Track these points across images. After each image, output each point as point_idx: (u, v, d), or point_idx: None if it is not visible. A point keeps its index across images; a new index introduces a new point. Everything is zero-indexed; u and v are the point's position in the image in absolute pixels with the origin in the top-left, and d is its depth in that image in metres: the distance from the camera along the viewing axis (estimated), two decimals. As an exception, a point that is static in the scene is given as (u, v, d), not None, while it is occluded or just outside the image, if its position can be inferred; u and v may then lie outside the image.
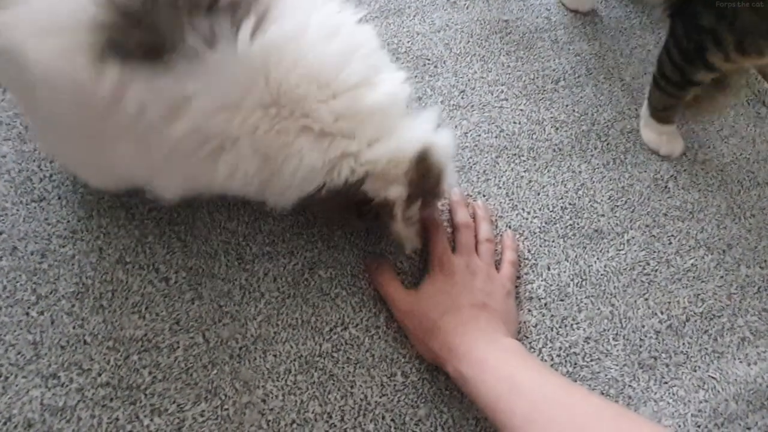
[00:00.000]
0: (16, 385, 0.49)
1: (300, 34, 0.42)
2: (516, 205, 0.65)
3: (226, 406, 0.50)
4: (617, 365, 0.57)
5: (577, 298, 0.60)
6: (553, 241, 0.63)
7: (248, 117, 0.41)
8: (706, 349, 0.59)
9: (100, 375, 0.50)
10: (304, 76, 0.42)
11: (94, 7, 0.37)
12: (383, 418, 0.52)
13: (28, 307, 0.52)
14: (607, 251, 0.63)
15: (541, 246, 0.63)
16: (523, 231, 0.64)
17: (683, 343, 0.59)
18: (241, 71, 0.40)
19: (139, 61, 0.38)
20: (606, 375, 0.56)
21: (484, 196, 0.65)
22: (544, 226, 0.64)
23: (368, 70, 0.45)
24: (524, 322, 0.58)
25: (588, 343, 0.58)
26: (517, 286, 0.60)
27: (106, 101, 0.39)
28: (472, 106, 0.72)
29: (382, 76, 0.47)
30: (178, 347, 0.52)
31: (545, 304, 0.59)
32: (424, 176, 0.48)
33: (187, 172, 0.45)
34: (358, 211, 0.48)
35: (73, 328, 0.52)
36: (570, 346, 0.57)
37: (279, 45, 0.41)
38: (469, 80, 0.73)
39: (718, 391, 0.57)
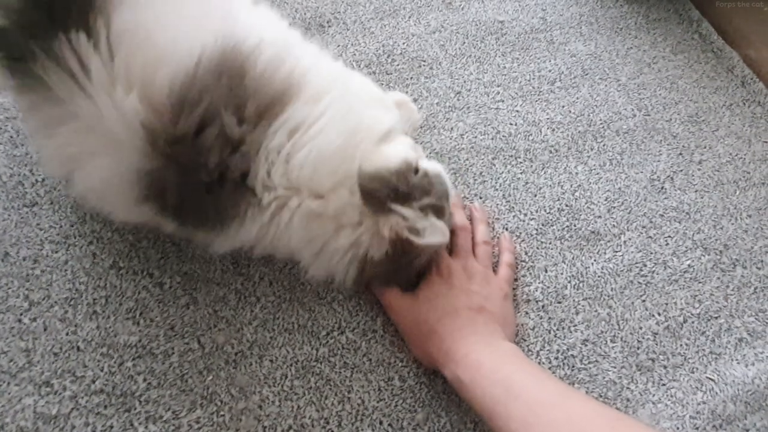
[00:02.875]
0: (9, 393, 0.48)
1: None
2: (513, 207, 0.65)
3: (222, 413, 0.50)
4: (615, 367, 0.57)
5: (574, 300, 0.60)
6: (550, 243, 0.63)
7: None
8: (704, 350, 0.59)
9: (93, 382, 0.50)
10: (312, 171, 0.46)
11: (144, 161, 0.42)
12: (381, 423, 0.51)
13: (21, 314, 0.52)
14: (604, 253, 0.63)
15: (538, 248, 0.63)
16: (520, 233, 0.63)
17: (681, 345, 0.59)
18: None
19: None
20: (604, 377, 0.56)
21: (480, 198, 0.65)
22: (541, 228, 0.64)
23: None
24: (522, 325, 0.58)
25: (586, 345, 0.58)
26: (514, 289, 0.59)
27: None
28: (468, 107, 0.71)
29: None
30: (173, 353, 0.52)
31: (542, 307, 0.59)
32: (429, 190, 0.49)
33: None
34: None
35: (67, 334, 0.51)
36: (568, 349, 0.57)
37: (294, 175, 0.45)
38: (464, 82, 0.73)
39: (716, 393, 0.56)
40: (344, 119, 0.46)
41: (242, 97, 0.43)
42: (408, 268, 0.51)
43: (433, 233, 0.48)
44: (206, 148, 0.42)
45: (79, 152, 0.43)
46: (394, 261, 0.48)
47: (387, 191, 0.46)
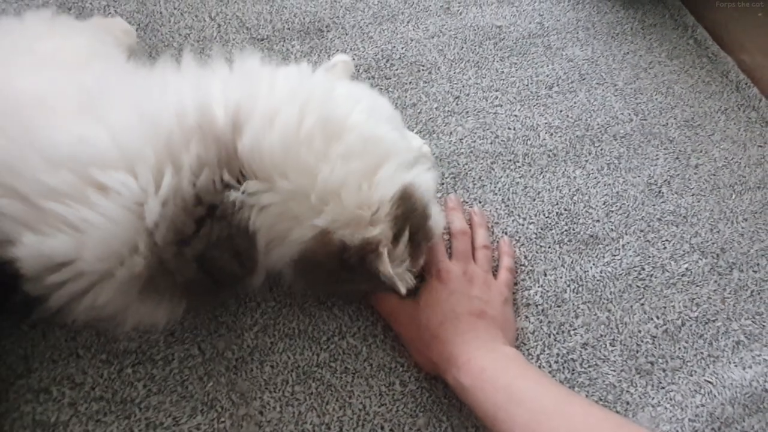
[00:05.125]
0: (7, 401, 0.48)
1: None
2: (512, 212, 0.65)
3: (222, 419, 0.50)
4: (615, 371, 0.57)
5: (573, 304, 0.60)
6: (549, 247, 0.63)
7: None
8: (702, 353, 0.59)
9: (93, 389, 0.49)
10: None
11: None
12: (382, 428, 0.51)
13: (19, 320, 0.51)
14: (603, 257, 0.64)
15: (537, 252, 0.63)
16: (520, 237, 0.63)
17: (679, 348, 0.59)
18: None
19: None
20: (604, 381, 0.56)
21: (480, 202, 0.65)
22: (540, 232, 0.64)
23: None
24: (522, 329, 0.58)
25: (585, 349, 0.58)
26: (514, 293, 0.60)
27: None
28: (467, 112, 0.72)
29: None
30: (173, 359, 0.51)
31: (542, 311, 0.59)
32: (408, 215, 0.46)
33: None
34: (341, 263, 0.45)
35: (65, 341, 0.51)
36: (568, 353, 0.57)
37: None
38: (463, 86, 0.73)
39: (715, 396, 0.57)
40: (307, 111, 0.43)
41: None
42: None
43: (400, 282, 0.45)
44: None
45: None
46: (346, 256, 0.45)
47: (419, 223, 0.47)
